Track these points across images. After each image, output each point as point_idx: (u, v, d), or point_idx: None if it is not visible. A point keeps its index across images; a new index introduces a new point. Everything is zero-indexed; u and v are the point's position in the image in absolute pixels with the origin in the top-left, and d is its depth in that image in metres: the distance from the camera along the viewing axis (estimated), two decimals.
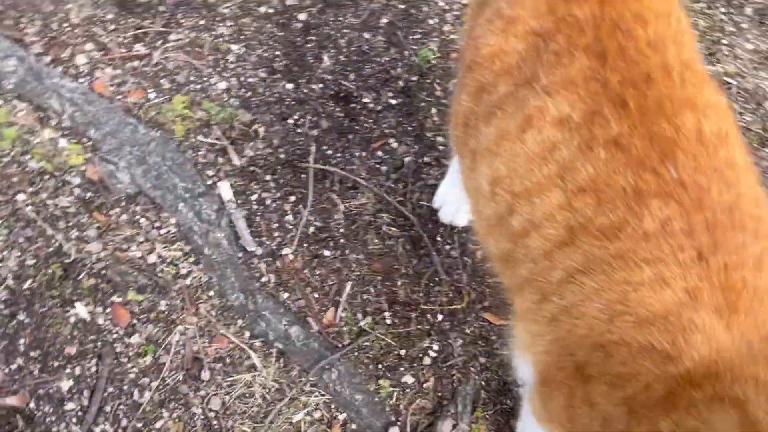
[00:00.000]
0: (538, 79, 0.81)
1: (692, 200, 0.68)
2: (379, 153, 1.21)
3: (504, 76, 0.84)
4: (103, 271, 1.08)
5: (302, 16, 1.31)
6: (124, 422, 1.01)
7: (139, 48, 1.24)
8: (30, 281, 1.07)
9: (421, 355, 1.08)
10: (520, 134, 0.79)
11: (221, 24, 1.28)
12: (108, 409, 1.01)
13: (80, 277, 1.07)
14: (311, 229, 1.14)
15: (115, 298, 1.07)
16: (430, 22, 1.34)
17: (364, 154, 1.20)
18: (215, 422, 1.01)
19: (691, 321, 0.64)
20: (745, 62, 1.40)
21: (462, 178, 0.96)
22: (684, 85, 0.75)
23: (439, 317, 1.10)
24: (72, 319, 1.05)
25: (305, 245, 1.13)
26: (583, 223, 0.72)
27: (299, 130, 1.21)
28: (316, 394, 1.04)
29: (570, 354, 0.74)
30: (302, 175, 1.17)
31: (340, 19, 1.32)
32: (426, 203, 1.18)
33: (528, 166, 0.78)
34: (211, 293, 1.09)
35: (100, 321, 1.05)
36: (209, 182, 1.15)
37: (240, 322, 1.07)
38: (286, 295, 1.10)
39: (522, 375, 0.89)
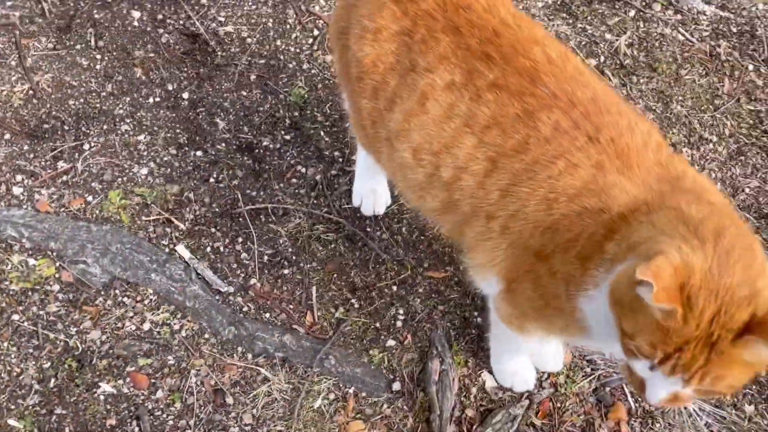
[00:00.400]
0: (418, 64, 1.06)
1: (566, 103, 0.95)
2: (294, 180, 1.42)
3: (390, 72, 1.09)
4: (110, 351, 1.24)
5: (186, 95, 1.51)
6: None
7: (62, 165, 1.40)
8: (53, 380, 1.21)
9: (393, 322, 1.30)
10: (422, 108, 1.04)
11: (121, 123, 1.46)
12: None
13: (93, 362, 1.22)
14: (265, 258, 1.34)
15: (129, 368, 1.22)
16: (290, 66, 1.58)
17: (282, 185, 1.41)
18: None
19: (605, 183, 0.90)
20: (538, 11, 1.72)
21: (382, 166, 1.20)
22: (521, 29, 1.03)
23: (394, 288, 1.33)
24: (101, 397, 1.20)
25: (266, 272, 1.33)
26: (498, 151, 0.97)
27: (222, 185, 1.41)
28: (324, 380, 1.24)
29: (526, 247, 0.99)
30: (240, 219, 1.37)
31: (217, 87, 1.53)
32: (347, 205, 1.40)
33: (439, 128, 1.03)
34: (207, 335, 1.26)
35: (125, 390, 1.21)
36: (167, 250, 1.33)
37: (240, 348, 1.25)
38: (267, 315, 1.29)
39: (486, 292, 1.13)
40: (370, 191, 1.39)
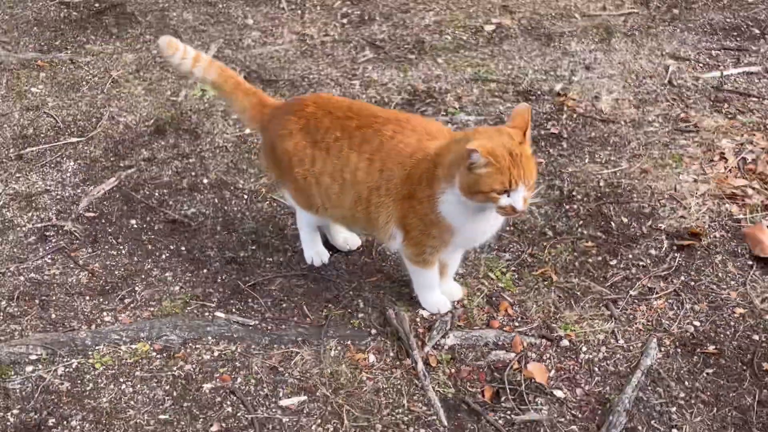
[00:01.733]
0: (318, 137, 2.01)
1: (395, 120, 1.94)
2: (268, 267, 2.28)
3: (305, 148, 2.03)
4: (199, 370, 1.98)
5: (183, 248, 2.37)
6: None
7: (127, 301, 2.19)
8: (174, 393, 1.93)
9: (357, 306, 2.14)
10: (327, 153, 1.99)
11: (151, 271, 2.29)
12: None
13: (195, 377, 1.97)
14: (268, 302, 2.16)
15: (215, 374, 1.97)
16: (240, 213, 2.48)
17: (261, 269, 2.27)
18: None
19: (425, 145, 1.88)
20: None
21: (316, 209, 2.10)
22: (364, 106, 2.03)
23: (351, 293, 2.18)
24: (208, 391, 1.93)
25: (271, 307, 2.15)
26: (371, 152, 1.92)
27: (221, 279, 2.24)
28: (331, 341, 2.04)
29: (402, 197, 1.91)
30: (245, 291, 2.20)
31: (198, 237, 2.40)
32: (304, 265, 2.27)
33: (338, 157, 1.97)
34: (253, 347, 2.04)
35: (220, 384, 1.95)
36: (211, 316, 2.12)
37: (275, 346, 2.04)
38: (283, 326, 2.09)
39: (395, 248, 2.02)
40: (316, 253, 2.28)
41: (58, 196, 2.54)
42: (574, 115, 2.86)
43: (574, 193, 2.52)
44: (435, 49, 3.24)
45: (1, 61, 3.17)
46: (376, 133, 1.94)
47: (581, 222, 2.42)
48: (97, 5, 3.54)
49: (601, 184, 2.55)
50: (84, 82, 3.06)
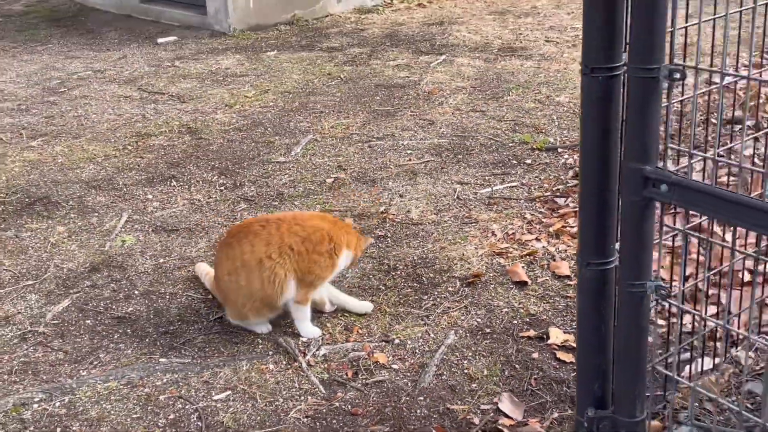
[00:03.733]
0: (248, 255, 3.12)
1: (296, 220, 3.10)
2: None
3: (242, 268, 3.13)
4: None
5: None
6: None
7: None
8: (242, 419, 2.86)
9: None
10: (267, 258, 3.09)
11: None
12: None
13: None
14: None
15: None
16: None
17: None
18: None
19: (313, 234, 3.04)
20: None
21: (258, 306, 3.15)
22: (283, 225, 3.17)
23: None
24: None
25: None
26: (290, 247, 3.06)
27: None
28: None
29: (302, 272, 3.03)
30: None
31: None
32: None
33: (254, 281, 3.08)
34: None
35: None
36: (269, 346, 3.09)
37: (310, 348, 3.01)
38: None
39: (291, 304, 3.09)
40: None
41: (29, 314, 3.48)
42: (394, 223, 4.09)
43: (397, 265, 3.69)
44: (291, 197, 4.45)
45: None
46: (289, 230, 3.09)
47: (403, 280, 3.57)
48: (27, 200, 4.58)
49: (415, 258, 3.74)
50: (30, 248, 4.05)
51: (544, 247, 3.75)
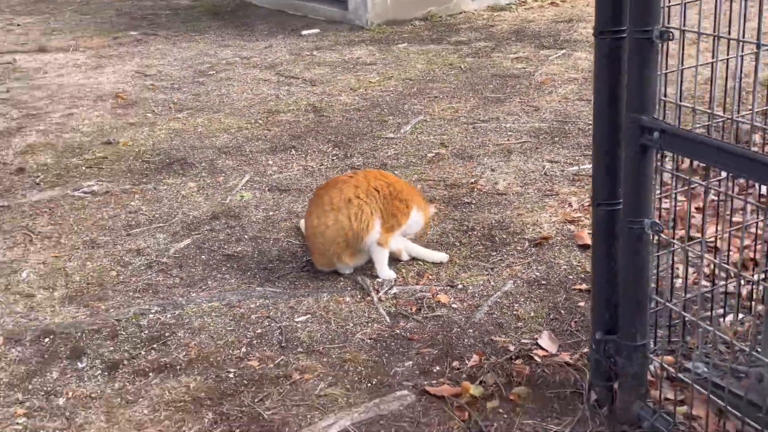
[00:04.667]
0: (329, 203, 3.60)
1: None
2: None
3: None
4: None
5: None
6: None
7: None
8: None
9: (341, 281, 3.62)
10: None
11: None
12: None
13: None
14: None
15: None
16: None
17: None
18: None
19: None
20: None
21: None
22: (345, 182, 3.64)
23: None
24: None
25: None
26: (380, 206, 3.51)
27: None
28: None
29: (388, 215, 3.48)
30: None
31: None
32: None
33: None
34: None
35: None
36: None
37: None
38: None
39: (371, 242, 3.53)
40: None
41: (156, 249, 4.10)
42: (481, 193, 4.46)
43: (475, 227, 4.06)
44: (393, 167, 4.91)
45: (110, 191, 4.82)
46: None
47: (477, 239, 3.95)
48: (167, 160, 5.25)
49: (492, 222, 4.11)
50: (164, 198, 4.70)
51: None
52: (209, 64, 7.82)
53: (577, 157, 4.85)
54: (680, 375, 2.53)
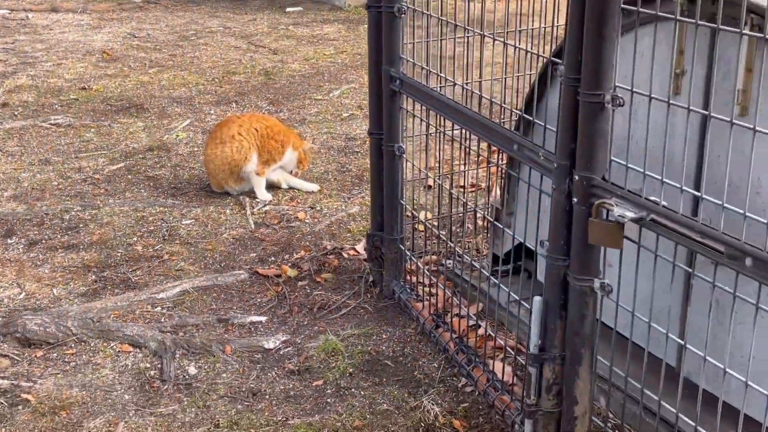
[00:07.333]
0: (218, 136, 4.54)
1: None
2: None
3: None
4: None
5: None
6: None
7: None
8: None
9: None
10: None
11: None
12: None
13: None
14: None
15: None
16: None
17: None
18: None
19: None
20: None
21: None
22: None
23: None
24: None
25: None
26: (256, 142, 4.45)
27: None
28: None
29: (260, 149, 4.42)
30: None
31: None
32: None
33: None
34: None
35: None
36: None
37: None
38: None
39: (249, 171, 4.46)
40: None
41: (94, 168, 5.06)
42: None
43: (352, 169, 4.97)
44: (311, 122, 5.82)
45: (71, 124, 5.80)
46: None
47: (350, 179, 4.86)
48: (127, 105, 6.23)
49: (367, 166, 5.01)
50: (115, 133, 5.67)
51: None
52: (194, 31, 8.79)
53: None
54: (436, 268, 3.45)
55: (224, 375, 3.03)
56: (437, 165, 3.60)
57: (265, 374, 3.03)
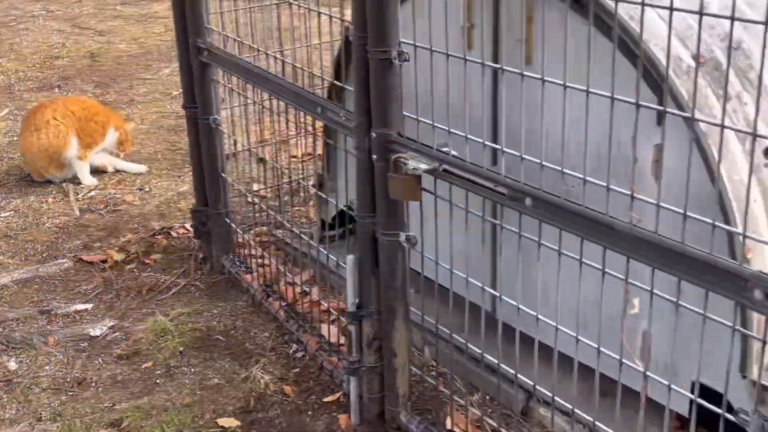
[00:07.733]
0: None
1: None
2: None
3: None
4: None
5: None
6: None
7: None
8: None
9: None
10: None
11: None
12: None
13: None
14: None
15: None
16: None
17: None
18: None
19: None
20: None
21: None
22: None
23: None
24: None
25: None
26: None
27: None
28: None
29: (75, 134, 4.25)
30: None
31: None
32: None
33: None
34: None
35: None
36: None
37: None
38: None
39: (71, 157, 4.29)
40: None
41: None
42: None
43: (182, 148, 4.87)
44: (140, 102, 5.65)
45: None
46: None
47: (180, 156, 4.76)
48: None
49: None
50: None
51: None
52: (14, 16, 8.35)
53: None
54: (268, 239, 3.43)
55: (47, 367, 2.92)
56: (265, 137, 3.56)
57: (91, 362, 2.95)
